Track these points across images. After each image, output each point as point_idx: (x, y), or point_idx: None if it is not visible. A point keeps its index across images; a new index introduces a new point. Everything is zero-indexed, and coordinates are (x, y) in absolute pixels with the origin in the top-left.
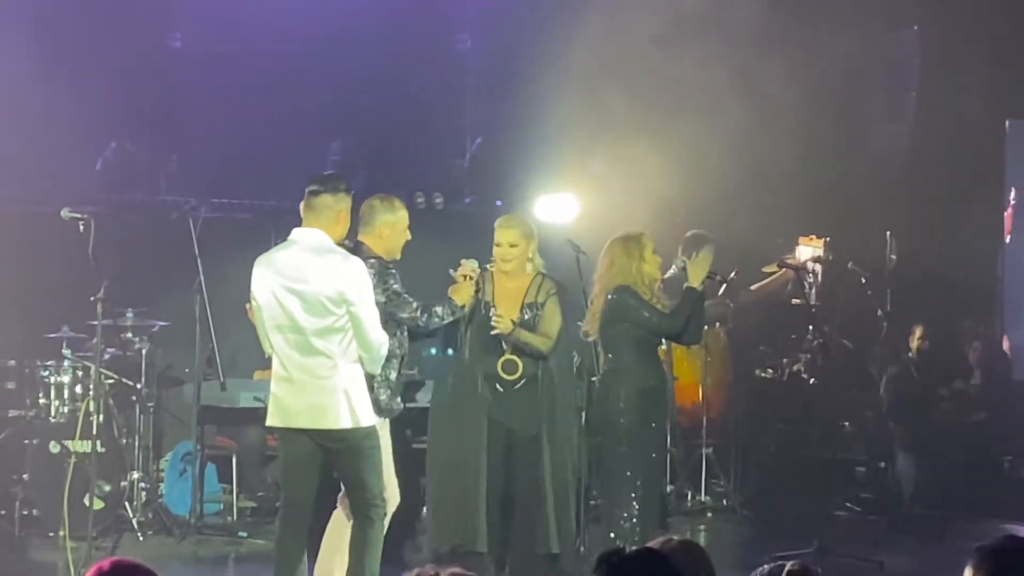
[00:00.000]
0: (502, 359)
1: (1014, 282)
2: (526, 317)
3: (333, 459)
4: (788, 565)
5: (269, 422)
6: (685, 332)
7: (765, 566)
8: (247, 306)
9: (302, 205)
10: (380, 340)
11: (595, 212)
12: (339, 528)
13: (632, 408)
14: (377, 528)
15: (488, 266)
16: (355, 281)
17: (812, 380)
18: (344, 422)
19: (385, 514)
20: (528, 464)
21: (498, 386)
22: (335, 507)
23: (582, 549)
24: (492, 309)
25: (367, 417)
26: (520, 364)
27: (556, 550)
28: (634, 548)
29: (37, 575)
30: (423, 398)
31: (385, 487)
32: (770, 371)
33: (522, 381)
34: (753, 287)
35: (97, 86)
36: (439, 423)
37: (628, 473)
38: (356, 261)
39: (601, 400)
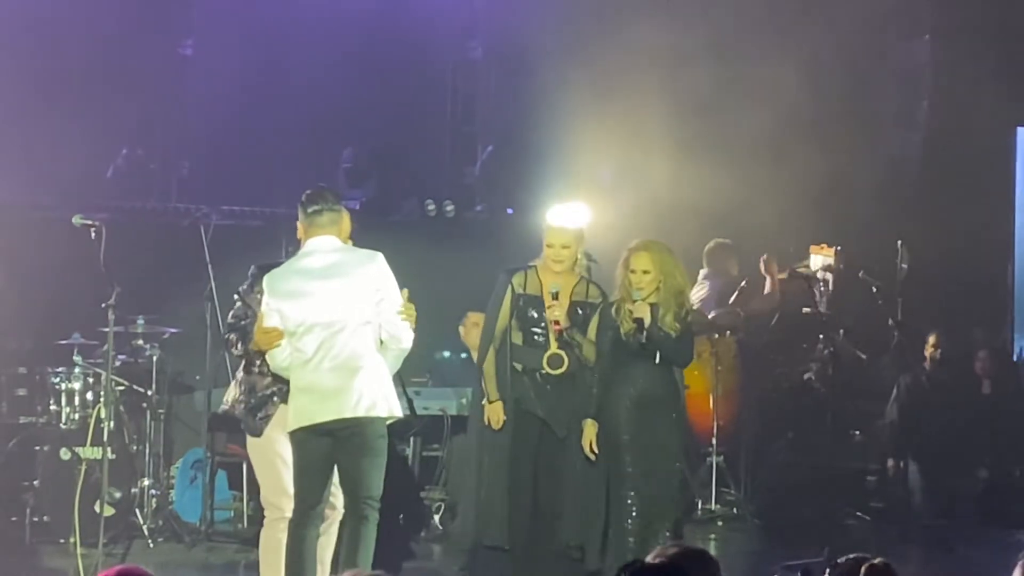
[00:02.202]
0: (548, 353)
1: None
2: (578, 313)
3: (340, 452)
4: (871, 560)
5: (292, 426)
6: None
7: (840, 559)
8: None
9: (306, 223)
10: (411, 335)
11: (606, 220)
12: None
13: (626, 417)
14: (371, 527)
15: (533, 263)
16: (386, 275)
17: (823, 389)
18: (379, 410)
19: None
20: (555, 460)
21: (538, 378)
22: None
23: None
24: (547, 306)
25: (397, 408)
26: (566, 359)
27: (574, 542)
28: (660, 560)
29: None
30: (434, 406)
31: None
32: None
33: (564, 376)
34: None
35: (108, 93)
36: (478, 419)
37: (620, 479)
38: (381, 256)
39: (602, 408)
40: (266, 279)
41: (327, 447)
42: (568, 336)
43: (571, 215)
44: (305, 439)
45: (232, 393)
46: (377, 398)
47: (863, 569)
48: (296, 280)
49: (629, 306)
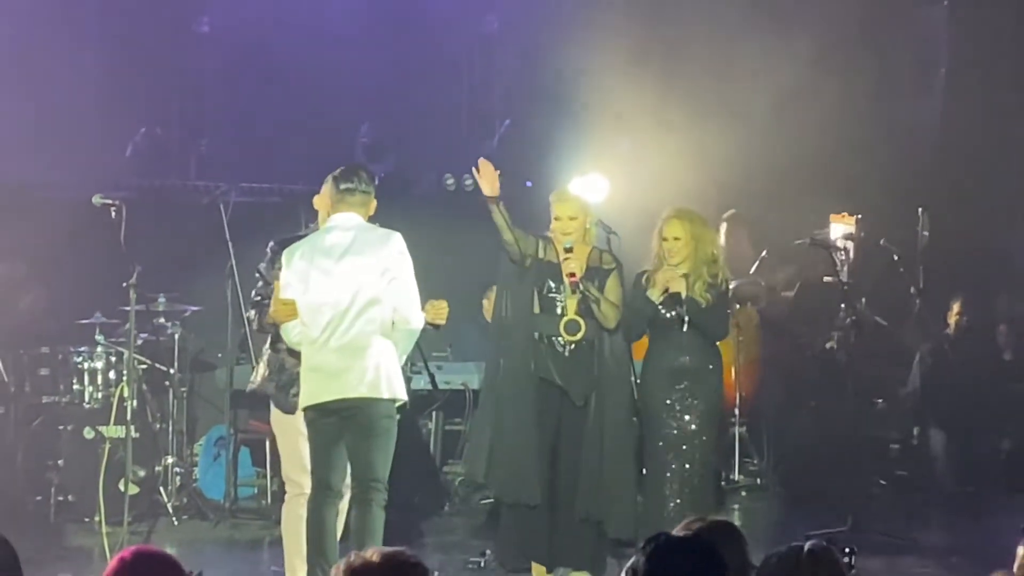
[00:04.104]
0: (565, 319)
1: None
2: (593, 281)
3: (346, 432)
4: (807, 545)
5: (304, 404)
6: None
7: (773, 555)
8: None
9: (335, 199)
10: (421, 316)
11: (625, 192)
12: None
13: (663, 387)
14: (377, 514)
15: (548, 233)
16: (400, 255)
17: (845, 358)
18: (382, 391)
19: (386, 501)
20: (575, 429)
21: (556, 346)
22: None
23: None
24: (563, 259)
25: (401, 391)
26: (583, 325)
27: (596, 517)
28: (685, 533)
29: (73, 560)
30: (455, 380)
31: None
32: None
33: (581, 344)
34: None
35: (126, 72)
36: (495, 379)
37: (644, 452)
38: (398, 236)
39: (640, 379)
40: (284, 253)
41: (336, 427)
42: (584, 288)
43: (575, 186)
44: (315, 419)
45: (260, 371)
46: (380, 379)
47: (803, 556)
48: (311, 256)
49: (663, 274)
